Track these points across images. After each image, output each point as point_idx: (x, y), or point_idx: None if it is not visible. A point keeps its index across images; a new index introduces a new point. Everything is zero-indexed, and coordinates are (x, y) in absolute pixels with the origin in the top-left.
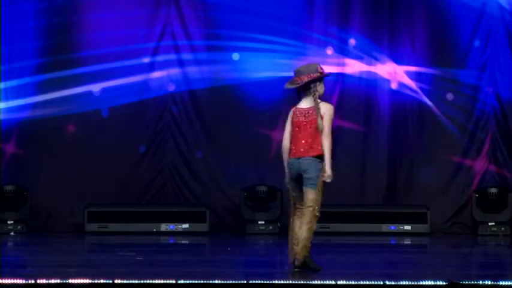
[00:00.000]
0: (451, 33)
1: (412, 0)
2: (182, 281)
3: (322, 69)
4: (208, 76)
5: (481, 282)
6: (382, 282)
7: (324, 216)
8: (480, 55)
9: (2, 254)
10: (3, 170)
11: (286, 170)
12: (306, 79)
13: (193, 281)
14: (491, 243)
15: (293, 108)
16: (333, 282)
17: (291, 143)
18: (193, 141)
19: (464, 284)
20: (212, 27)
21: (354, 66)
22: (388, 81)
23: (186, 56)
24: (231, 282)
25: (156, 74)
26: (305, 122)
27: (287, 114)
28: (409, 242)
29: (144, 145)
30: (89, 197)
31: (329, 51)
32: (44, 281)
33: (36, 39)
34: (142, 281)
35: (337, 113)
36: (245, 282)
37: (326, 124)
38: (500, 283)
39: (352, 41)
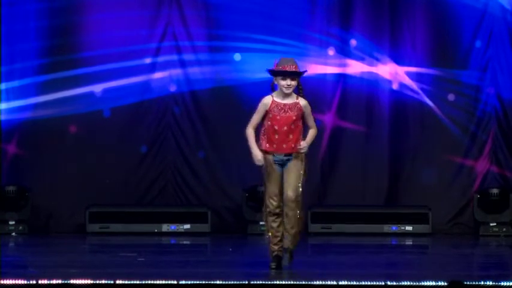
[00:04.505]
0: (452, 33)
1: (413, 0)
2: (184, 282)
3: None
4: (209, 77)
5: (482, 282)
6: (383, 283)
7: (325, 216)
8: (481, 56)
9: (3, 255)
10: (5, 171)
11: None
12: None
13: (195, 282)
14: (492, 244)
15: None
16: (335, 283)
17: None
18: (195, 141)
19: (466, 285)
20: (214, 28)
21: (355, 67)
22: (390, 81)
23: (188, 56)
24: (232, 282)
25: (157, 75)
26: None
27: None
28: (411, 243)
29: (145, 145)
30: (90, 198)
31: (331, 51)
32: (45, 282)
33: (38, 39)
34: (143, 282)
35: (339, 113)
36: (246, 282)
37: None
38: (502, 283)
39: (353, 42)
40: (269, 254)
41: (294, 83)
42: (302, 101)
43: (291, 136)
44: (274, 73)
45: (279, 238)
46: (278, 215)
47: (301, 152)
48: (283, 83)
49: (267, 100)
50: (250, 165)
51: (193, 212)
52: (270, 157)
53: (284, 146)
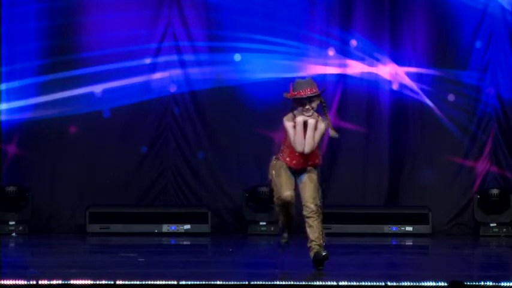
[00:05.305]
0: (452, 34)
1: (413, 1)
2: (184, 282)
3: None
4: (209, 77)
5: (482, 283)
6: (383, 283)
7: (326, 217)
8: (481, 56)
9: (3, 255)
10: (5, 171)
11: None
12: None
13: (195, 282)
14: (493, 244)
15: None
16: (335, 283)
17: None
18: (195, 142)
19: (467, 285)
20: (214, 28)
21: (355, 67)
22: (390, 82)
23: (188, 57)
24: (232, 283)
25: (157, 75)
26: None
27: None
28: (411, 243)
29: (145, 146)
30: (90, 198)
31: (331, 52)
32: (45, 282)
33: (38, 40)
34: (144, 282)
35: (339, 114)
36: (247, 283)
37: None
38: (502, 284)
39: (353, 42)
40: (279, 228)
41: (313, 105)
42: (321, 123)
43: (311, 153)
44: (292, 101)
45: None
46: (290, 203)
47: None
48: (301, 107)
49: (290, 117)
50: (251, 165)
51: (193, 213)
52: (282, 162)
53: (301, 160)
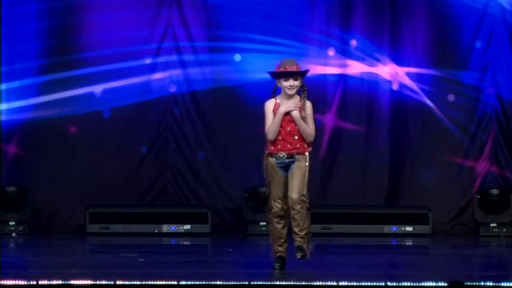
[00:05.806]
0: (452, 34)
1: (413, 1)
2: (184, 282)
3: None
4: (209, 77)
5: (482, 283)
6: (383, 284)
7: (326, 217)
8: (481, 56)
9: (3, 255)
10: (5, 171)
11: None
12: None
13: (195, 282)
14: (493, 244)
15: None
16: (335, 283)
17: None
18: (195, 142)
19: (467, 285)
20: (214, 28)
21: (355, 68)
22: (390, 82)
23: (188, 57)
24: (232, 283)
25: (157, 75)
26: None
27: None
28: (411, 243)
29: (145, 146)
30: (90, 198)
31: (331, 52)
32: (45, 282)
33: (38, 40)
34: (144, 282)
35: (339, 114)
36: (247, 283)
37: None
38: (502, 284)
39: (353, 42)
40: (273, 254)
41: (297, 83)
42: (306, 103)
43: (295, 137)
44: (276, 75)
45: (283, 240)
46: (282, 217)
47: (293, 110)
48: (285, 84)
49: (271, 103)
50: (251, 165)
51: (193, 213)
52: (273, 160)
53: (289, 146)
